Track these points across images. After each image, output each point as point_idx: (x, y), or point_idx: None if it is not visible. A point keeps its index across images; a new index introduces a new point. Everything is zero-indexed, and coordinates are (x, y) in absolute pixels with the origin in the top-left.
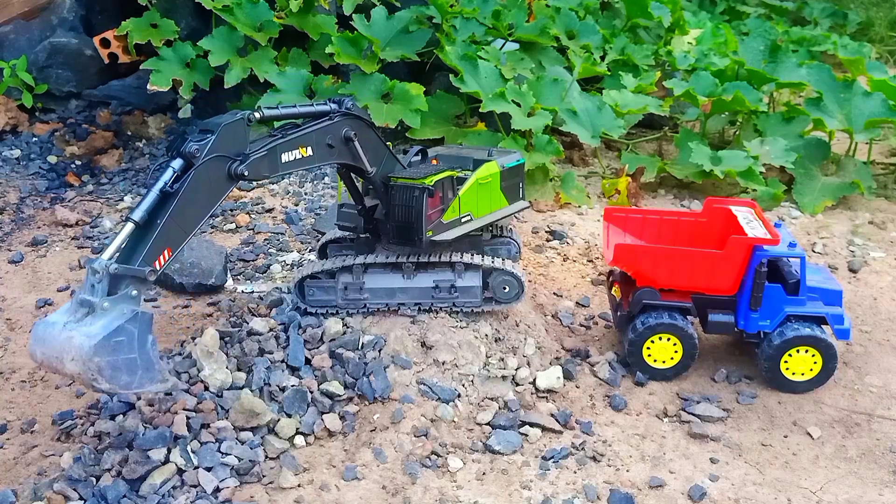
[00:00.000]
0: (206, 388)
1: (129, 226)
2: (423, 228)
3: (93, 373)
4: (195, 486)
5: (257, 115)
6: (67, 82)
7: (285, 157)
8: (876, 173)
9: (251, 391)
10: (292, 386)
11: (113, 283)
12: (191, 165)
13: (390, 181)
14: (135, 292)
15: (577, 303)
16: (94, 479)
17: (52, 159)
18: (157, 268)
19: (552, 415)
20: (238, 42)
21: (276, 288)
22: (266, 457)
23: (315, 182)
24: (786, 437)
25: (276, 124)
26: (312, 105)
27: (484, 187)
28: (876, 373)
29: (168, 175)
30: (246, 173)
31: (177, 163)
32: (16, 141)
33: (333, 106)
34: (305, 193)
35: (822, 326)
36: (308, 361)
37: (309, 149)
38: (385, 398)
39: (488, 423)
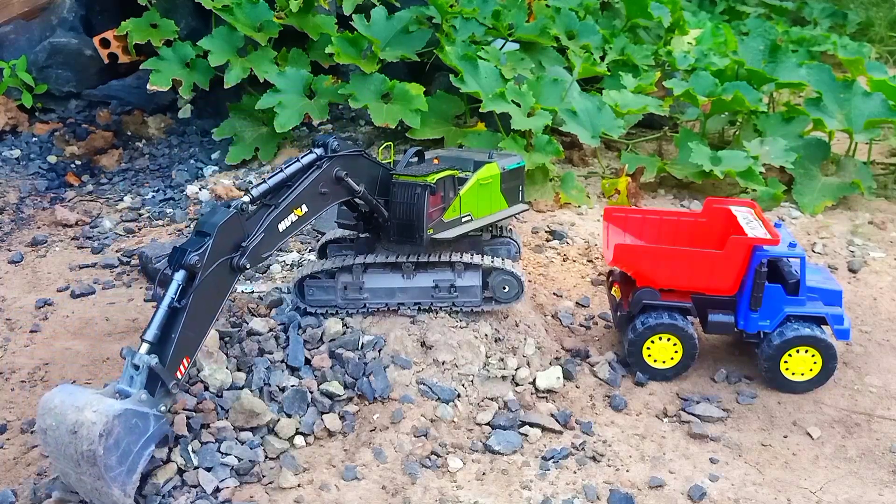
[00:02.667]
0: (206, 388)
1: (145, 346)
2: (424, 226)
3: (104, 430)
4: (195, 487)
5: (247, 198)
6: (67, 82)
7: (282, 226)
8: (876, 173)
9: (251, 391)
10: (292, 386)
11: (150, 380)
12: (194, 275)
13: (393, 179)
14: (163, 408)
15: (577, 303)
16: None
17: (52, 159)
18: (179, 377)
19: (552, 415)
20: (238, 42)
21: (276, 288)
22: (266, 457)
23: None
24: (786, 437)
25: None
26: (299, 160)
27: (485, 188)
28: (876, 373)
29: (173, 289)
30: (248, 266)
31: (180, 275)
32: (16, 141)
33: (319, 151)
34: None
35: (822, 326)
36: (308, 361)
37: (304, 206)
38: (385, 398)
39: (488, 423)
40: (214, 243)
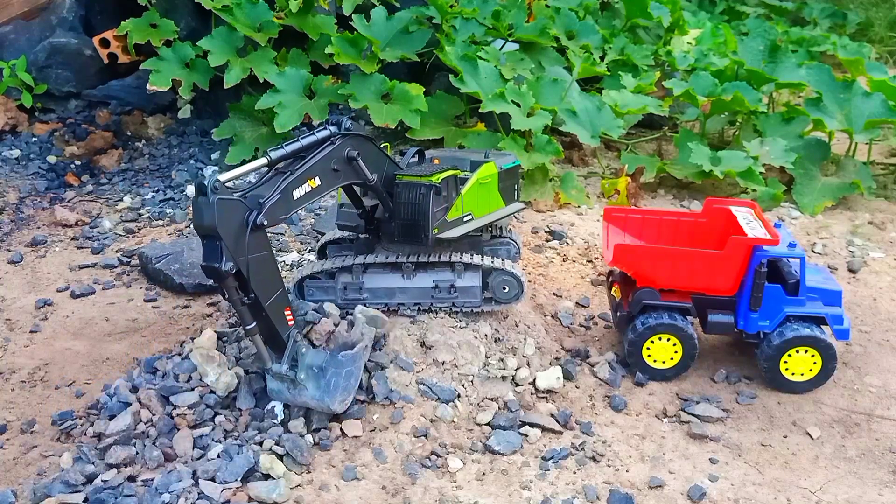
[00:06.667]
0: (213, 392)
1: (258, 338)
2: (430, 226)
3: (333, 406)
4: (195, 486)
5: (223, 177)
6: (67, 82)
7: (297, 194)
8: (876, 173)
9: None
10: None
11: (295, 361)
12: (239, 272)
13: (396, 179)
14: (304, 350)
15: (576, 303)
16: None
17: (52, 159)
18: (292, 324)
19: (552, 415)
20: (238, 42)
21: None
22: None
23: None
24: (785, 437)
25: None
26: (314, 134)
27: (484, 187)
28: (875, 373)
29: (235, 294)
30: (265, 223)
31: (230, 282)
32: (15, 141)
33: (333, 129)
34: None
35: (822, 327)
36: None
37: (317, 179)
38: (385, 398)
39: (488, 424)
40: (226, 239)
